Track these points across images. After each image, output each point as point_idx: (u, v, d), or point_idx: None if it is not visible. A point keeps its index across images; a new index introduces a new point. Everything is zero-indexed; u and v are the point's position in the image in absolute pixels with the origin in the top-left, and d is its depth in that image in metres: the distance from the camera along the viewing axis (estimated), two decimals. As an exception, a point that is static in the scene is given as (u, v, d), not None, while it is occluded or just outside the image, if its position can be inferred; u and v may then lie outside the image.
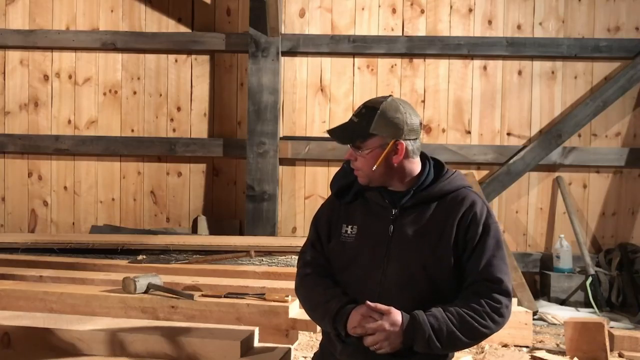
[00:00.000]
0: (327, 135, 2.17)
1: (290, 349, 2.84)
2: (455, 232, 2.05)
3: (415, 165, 2.14)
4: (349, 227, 2.16)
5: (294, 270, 2.40)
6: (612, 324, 4.69)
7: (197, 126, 5.90)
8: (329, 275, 2.20)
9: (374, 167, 2.07)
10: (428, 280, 2.04)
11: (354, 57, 5.81)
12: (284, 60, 5.80)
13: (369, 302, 1.98)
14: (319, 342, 2.28)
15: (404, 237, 2.07)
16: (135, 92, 5.92)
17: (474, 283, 2.03)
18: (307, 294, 2.20)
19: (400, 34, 5.79)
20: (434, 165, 2.18)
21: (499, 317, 2.00)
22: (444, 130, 5.81)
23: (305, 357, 3.68)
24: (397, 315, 1.96)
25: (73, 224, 5.95)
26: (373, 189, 2.15)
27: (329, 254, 2.21)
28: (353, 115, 2.11)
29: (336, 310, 2.06)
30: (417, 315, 1.96)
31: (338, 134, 2.12)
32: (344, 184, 2.22)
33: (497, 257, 2.04)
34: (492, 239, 2.05)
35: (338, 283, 2.18)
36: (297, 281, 2.26)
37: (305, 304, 2.22)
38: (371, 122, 2.05)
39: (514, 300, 4.68)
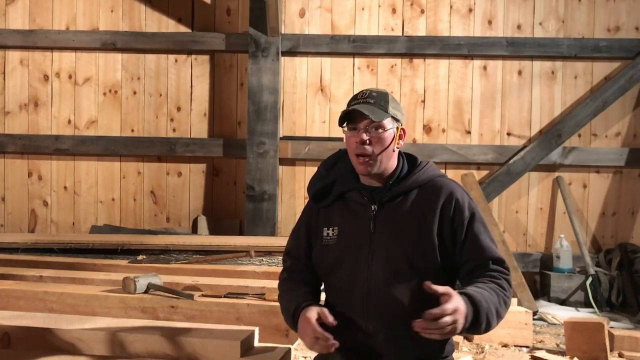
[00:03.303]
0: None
1: (290, 348, 2.83)
2: (439, 221, 2.05)
3: (394, 160, 2.16)
4: (330, 229, 2.15)
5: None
6: (612, 324, 4.69)
7: (197, 126, 5.90)
8: (304, 279, 2.21)
9: (395, 147, 2.11)
10: (414, 272, 2.02)
11: (354, 57, 5.81)
12: (284, 60, 5.80)
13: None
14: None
15: (386, 232, 2.07)
16: (135, 92, 5.92)
17: (481, 266, 2.02)
18: (280, 298, 2.24)
19: (400, 34, 5.79)
20: (407, 159, 2.21)
21: (510, 287, 2.02)
22: (444, 130, 5.81)
23: (305, 357, 3.68)
24: (456, 298, 1.83)
25: (73, 224, 5.95)
26: (352, 189, 2.15)
27: (313, 260, 2.20)
28: (363, 98, 2.09)
29: (292, 311, 2.10)
30: (472, 294, 1.87)
31: (367, 110, 2.06)
32: (321, 187, 2.21)
33: (488, 239, 2.06)
34: (479, 223, 2.07)
35: (324, 286, 2.20)
36: (278, 283, 2.31)
37: (280, 307, 2.24)
38: (387, 104, 2.09)
39: (514, 300, 4.69)
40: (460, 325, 1.81)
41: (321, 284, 2.25)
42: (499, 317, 1.94)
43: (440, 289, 1.82)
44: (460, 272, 2.07)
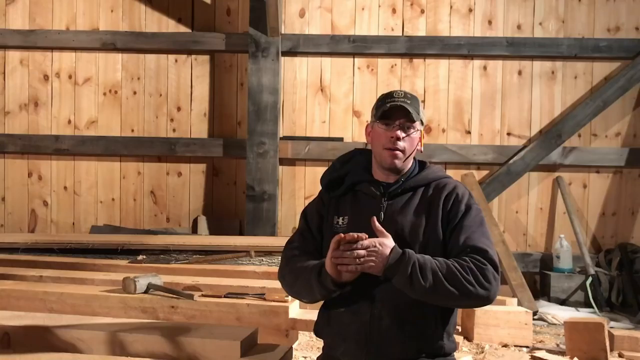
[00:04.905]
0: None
1: (290, 348, 2.84)
2: (442, 213, 2.14)
3: (411, 161, 2.27)
4: (340, 218, 2.21)
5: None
6: (612, 324, 4.70)
7: (197, 126, 5.90)
8: (316, 258, 2.20)
9: (421, 147, 2.22)
10: None
11: (354, 57, 5.81)
12: (284, 60, 5.80)
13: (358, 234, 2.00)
14: (319, 343, 2.28)
15: (395, 222, 2.13)
16: (135, 92, 5.92)
17: (460, 251, 2.07)
18: (294, 269, 2.19)
19: (400, 34, 5.79)
20: (418, 162, 2.31)
21: (484, 280, 2.00)
22: (444, 130, 5.81)
23: (305, 357, 3.68)
24: (390, 239, 2.02)
25: (73, 224, 5.95)
26: (364, 181, 2.23)
27: (324, 248, 2.22)
28: (400, 97, 2.17)
29: (322, 264, 2.08)
30: (406, 250, 2.02)
31: (409, 109, 2.15)
32: (334, 177, 2.29)
33: (478, 232, 2.09)
34: (473, 217, 2.12)
35: None
36: (282, 264, 2.27)
37: (290, 279, 2.21)
38: (419, 107, 2.20)
39: (514, 300, 4.68)
40: (368, 263, 1.97)
41: None
42: (438, 284, 1.96)
43: (379, 227, 2.02)
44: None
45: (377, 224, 2.03)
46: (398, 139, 2.15)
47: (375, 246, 1.98)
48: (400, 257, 1.99)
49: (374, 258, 1.98)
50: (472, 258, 2.02)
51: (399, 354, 2.07)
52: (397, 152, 2.16)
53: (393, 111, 2.15)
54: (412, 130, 2.17)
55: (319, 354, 2.31)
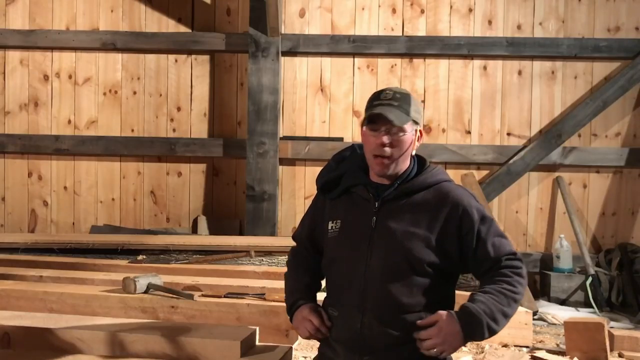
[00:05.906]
0: (368, 119, 2.10)
1: (290, 348, 2.83)
2: (442, 229, 2.06)
3: (408, 161, 2.17)
4: (334, 222, 2.18)
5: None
6: (612, 324, 4.70)
7: (197, 126, 5.90)
8: (304, 264, 2.32)
9: (413, 150, 2.13)
10: (411, 270, 2.04)
11: (354, 57, 5.81)
12: (284, 60, 5.80)
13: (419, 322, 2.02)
14: (318, 345, 2.28)
15: (387, 228, 2.08)
16: (135, 92, 5.93)
17: (495, 264, 2.08)
18: (286, 288, 2.35)
19: (400, 34, 5.79)
20: (417, 160, 2.21)
21: (522, 279, 2.12)
22: (444, 130, 5.81)
23: (305, 357, 3.68)
24: (449, 317, 1.98)
25: (73, 224, 5.95)
26: (359, 183, 2.16)
27: (323, 249, 2.26)
28: (387, 99, 2.08)
29: (289, 305, 2.26)
30: (469, 308, 1.98)
31: (393, 114, 2.06)
32: (330, 178, 2.23)
33: (498, 236, 2.10)
34: (487, 223, 2.09)
35: (325, 278, 2.26)
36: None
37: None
38: (409, 107, 2.09)
39: (514, 300, 4.68)
40: (448, 345, 1.97)
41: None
42: (506, 317, 2.03)
43: (426, 321, 1.99)
44: (479, 271, 2.12)
45: (420, 323, 2.00)
46: (384, 145, 2.06)
47: (440, 332, 1.96)
48: (469, 322, 1.96)
49: (448, 345, 1.98)
50: (510, 269, 2.08)
51: (391, 358, 2.06)
52: (385, 160, 2.07)
53: (378, 116, 2.07)
54: (401, 134, 2.06)
55: (318, 354, 2.31)
